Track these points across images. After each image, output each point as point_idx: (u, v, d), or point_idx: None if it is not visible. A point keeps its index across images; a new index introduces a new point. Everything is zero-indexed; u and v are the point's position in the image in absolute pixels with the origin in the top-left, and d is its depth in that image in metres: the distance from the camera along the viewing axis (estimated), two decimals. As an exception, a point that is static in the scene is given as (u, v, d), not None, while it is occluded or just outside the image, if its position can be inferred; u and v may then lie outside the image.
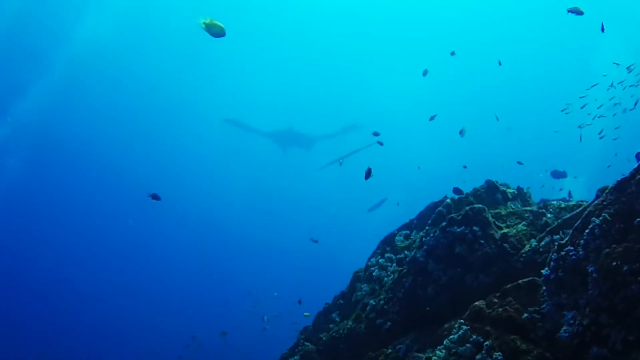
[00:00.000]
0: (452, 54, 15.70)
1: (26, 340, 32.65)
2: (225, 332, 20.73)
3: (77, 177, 41.60)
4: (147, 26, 34.80)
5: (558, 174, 15.24)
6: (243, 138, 37.74)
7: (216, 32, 6.89)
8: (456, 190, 9.26)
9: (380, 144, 12.85)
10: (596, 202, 5.50)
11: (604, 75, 17.56)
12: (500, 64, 16.01)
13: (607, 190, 5.43)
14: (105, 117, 39.43)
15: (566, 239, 5.70)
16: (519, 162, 19.46)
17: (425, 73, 17.02)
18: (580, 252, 5.29)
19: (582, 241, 5.31)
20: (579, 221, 5.60)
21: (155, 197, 10.63)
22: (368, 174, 7.97)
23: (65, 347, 32.24)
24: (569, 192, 11.62)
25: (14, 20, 30.78)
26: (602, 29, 8.69)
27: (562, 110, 20.06)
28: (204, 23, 6.86)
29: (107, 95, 38.02)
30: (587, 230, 5.29)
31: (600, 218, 5.18)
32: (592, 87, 16.91)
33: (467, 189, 9.23)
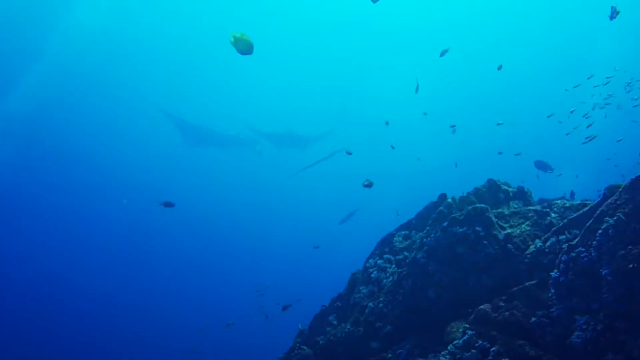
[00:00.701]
0: (443, 53, 15.43)
1: (16, 338, 32.07)
2: (231, 322, 20.45)
3: (68, 170, 40.87)
4: (141, 18, 34.26)
5: (542, 165, 14.92)
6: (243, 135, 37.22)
7: (243, 48, 6.35)
8: (442, 197, 9.03)
9: (393, 147, 12.62)
10: (609, 201, 5.25)
11: (588, 78, 17.52)
12: (500, 68, 15.78)
13: (620, 189, 5.18)
14: (97, 110, 38.76)
15: (576, 240, 5.45)
16: (499, 153, 19.29)
17: (416, 90, 16.83)
18: (593, 254, 5.05)
19: (594, 242, 5.06)
20: (590, 221, 5.35)
21: (168, 204, 10.09)
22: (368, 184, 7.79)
23: (59, 346, 31.73)
24: (571, 192, 11.39)
25: (2, 10, 30.22)
26: (613, 15, 8.34)
27: (548, 117, 19.94)
28: (234, 36, 6.31)
29: (98, 88, 37.37)
30: (600, 231, 5.04)
31: (615, 218, 4.94)
32: (575, 87, 16.78)
33: (462, 187, 8.99)
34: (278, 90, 40.20)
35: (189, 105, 36.93)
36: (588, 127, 15.75)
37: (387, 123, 12.57)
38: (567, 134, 16.92)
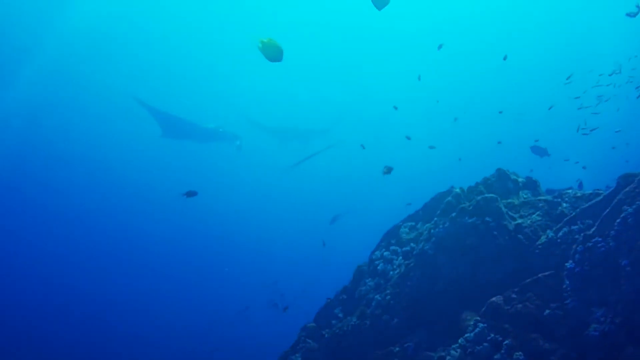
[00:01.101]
0: (440, 47, 15.41)
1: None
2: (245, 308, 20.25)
3: (66, 171, 40.49)
4: (142, 14, 33.86)
5: (539, 151, 14.71)
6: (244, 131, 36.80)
7: (273, 55, 5.94)
8: (450, 187, 8.88)
9: (408, 138, 12.51)
10: (627, 189, 5.06)
11: (589, 72, 17.35)
12: (505, 58, 15.62)
13: (639, 177, 5.00)
14: (96, 110, 38.39)
15: (592, 229, 5.27)
16: (499, 142, 19.10)
17: (419, 77, 16.84)
18: (611, 244, 4.87)
19: (612, 232, 4.89)
20: (607, 210, 5.17)
21: (190, 193, 9.81)
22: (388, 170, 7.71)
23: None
24: (580, 183, 11.19)
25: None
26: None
27: (549, 109, 19.76)
28: (262, 42, 5.91)
29: (97, 87, 36.99)
30: (618, 220, 4.87)
31: (634, 206, 4.76)
32: (568, 79, 16.61)
33: (465, 181, 8.82)
34: (279, 85, 39.89)
35: (185, 102, 36.56)
36: (594, 113, 15.57)
37: (395, 108, 12.45)
38: (577, 130, 16.78)
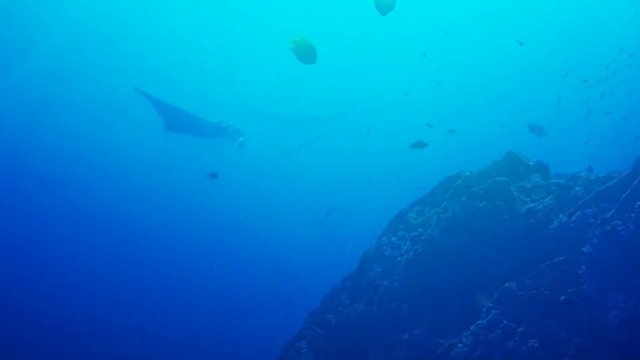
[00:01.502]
0: (446, 32, 15.09)
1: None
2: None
3: (63, 167, 40.12)
4: (147, 11, 33.24)
5: (537, 129, 14.43)
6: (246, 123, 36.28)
7: (306, 57, 5.42)
8: (459, 171, 8.70)
9: (431, 126, 12.31)
10: (649, 170, 4.86)
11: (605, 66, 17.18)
12: (521, 44, 15.31)
13: (661, 157, 4.79)
14: (97, 108, 37.85)
15: (611, 212, 5.07)
16: (502, 125, 18.87)
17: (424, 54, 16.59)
18: (631, 227, 4.69)
19: (633, 215, 4.70)
20: (627, 192, 4.97)
21: (213, 175, 9.80)
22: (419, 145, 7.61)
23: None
24: (590, 167, 10.96)
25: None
26: None
27: (558, 103, 19.56)
28: (294, 42, 5.41)
29: (98, 84, 36.45)
30: (639, 202, 4.67)
31: (657, 188, 4.56)
32: (566, 75, 16.41)
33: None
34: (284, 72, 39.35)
35: (189, 93, 36.06)
36: (601, 96, 15.37)
37: (407, 93, 12.24)
38: (586, 118, 16.58)
